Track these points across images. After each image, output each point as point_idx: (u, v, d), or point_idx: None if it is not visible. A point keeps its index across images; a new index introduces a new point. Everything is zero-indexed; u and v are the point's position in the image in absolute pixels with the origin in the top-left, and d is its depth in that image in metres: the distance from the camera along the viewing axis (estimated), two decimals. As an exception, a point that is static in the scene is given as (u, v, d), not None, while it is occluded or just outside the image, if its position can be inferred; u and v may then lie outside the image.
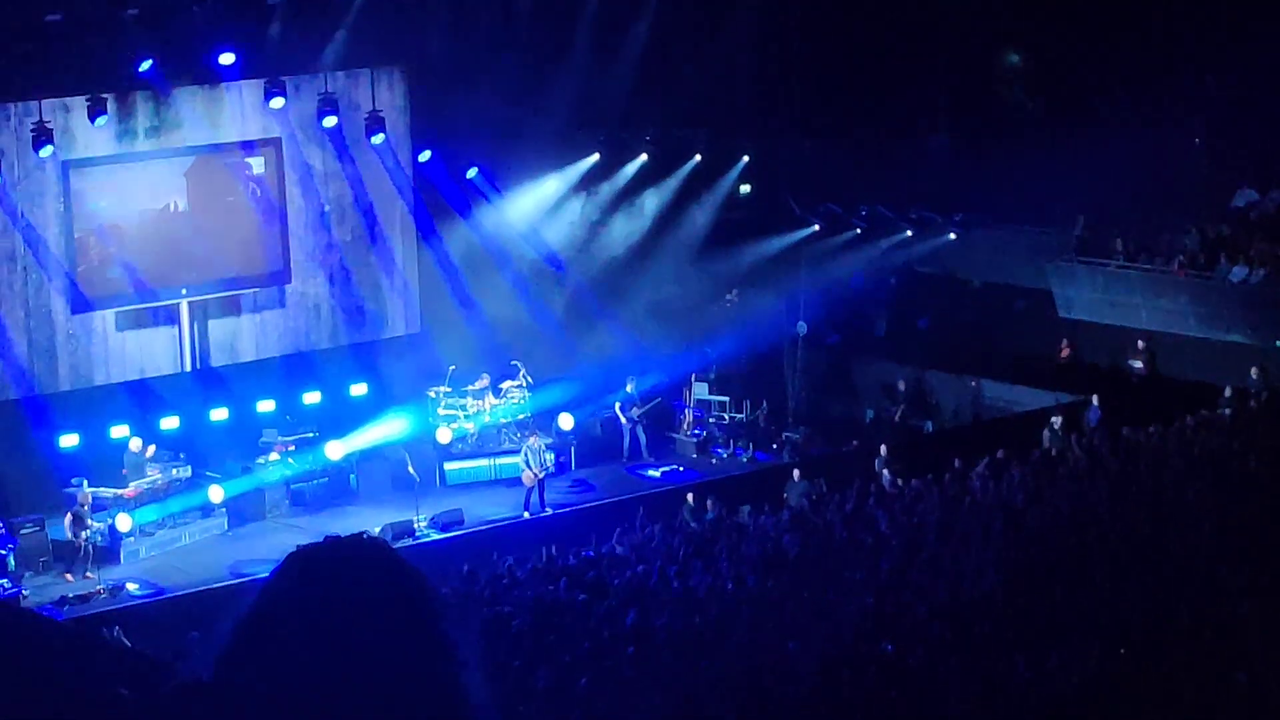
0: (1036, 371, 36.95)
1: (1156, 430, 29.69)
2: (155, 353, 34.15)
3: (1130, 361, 36.33)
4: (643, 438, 35.72)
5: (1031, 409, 34.81)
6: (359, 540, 3.10)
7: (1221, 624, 19.43)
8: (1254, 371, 33.76)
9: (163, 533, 30.71)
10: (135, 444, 31.20)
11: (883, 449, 32.12)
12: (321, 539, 3.21)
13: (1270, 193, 36.90)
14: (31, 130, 31.12)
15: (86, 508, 29.50)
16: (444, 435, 34.06)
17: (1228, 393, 32.77)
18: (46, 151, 31.32)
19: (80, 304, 32.96)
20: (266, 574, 3.33)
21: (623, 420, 35.75)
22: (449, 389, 34.87)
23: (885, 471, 31.06)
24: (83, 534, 29.25)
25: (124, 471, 30.78)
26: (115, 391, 33.27)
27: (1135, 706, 17.12)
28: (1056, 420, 32.15)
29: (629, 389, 35.84)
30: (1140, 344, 36.21)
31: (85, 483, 30.43)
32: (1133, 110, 35.70)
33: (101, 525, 29.69)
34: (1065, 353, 37.73)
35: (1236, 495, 24.70)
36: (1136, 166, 35.88)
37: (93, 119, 31.92)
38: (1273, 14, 34.87)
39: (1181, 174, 36.80)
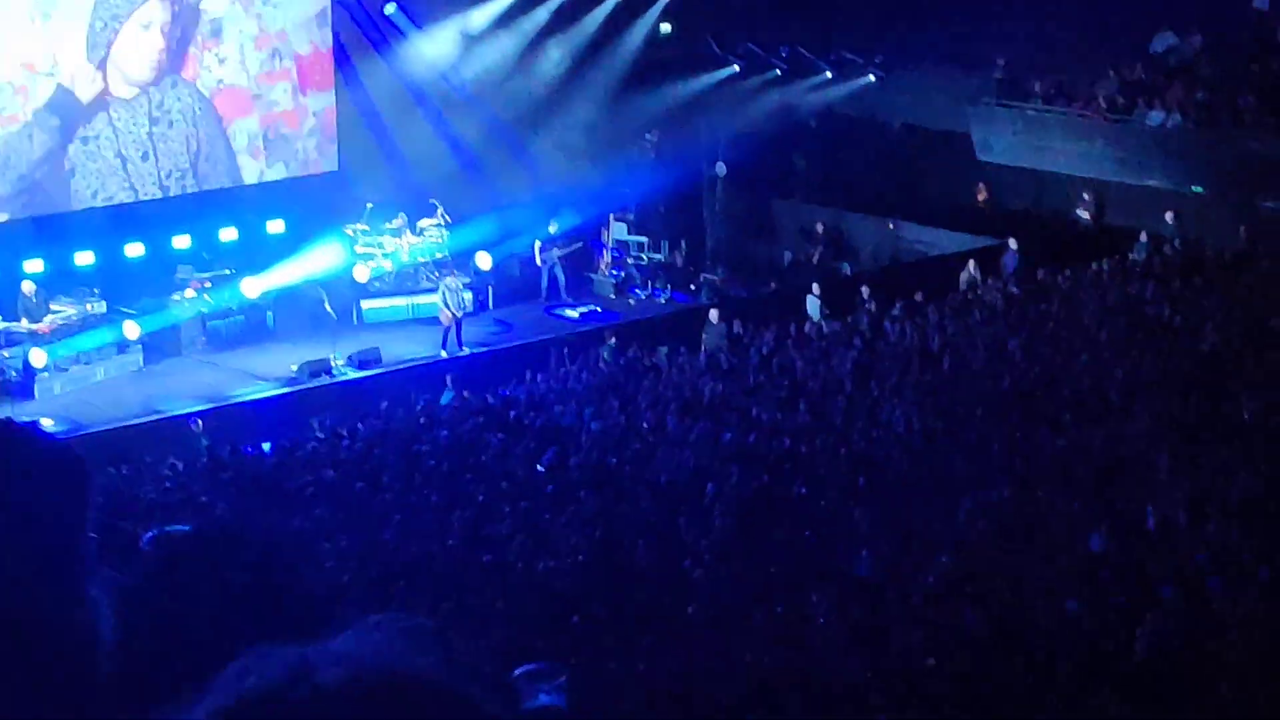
0: (955, 215, 36.95)
1: (1070, 274, 29.86)
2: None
3: (1078, 212, 36.20)
4: (561, 278, 35.62)
5: (949, 252, 34.89)
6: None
7: (1133, 461, 19.66)
8: (1169, 217, 33.78)
9: (77, 368, 30.39)
10: (27, 287, 30.80)
11: (815, 288, 32.09)
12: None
13: (1189, 37, 36.82)
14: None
15: None
16: (361, 273, 33.89)
17: (1143, 238, 32.89)
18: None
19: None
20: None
21: (539, 261, 35.64)
22: (366, 227, 34.64)
23: (819, 312, 31.03)
24: None
25: (21, 319, 30.37)
26: (23, 224, 32.75)
27: (1041, 548, 17.31)
28: (973, 263, 32.26)
29: (551, 229, 35.71)
30: (1086, 195, 36.06)
31: (-5, 316, 30.17)
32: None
33: (9, 355, 29.51)
34: (982, 196, 37.75)
35: (1149, 340, 24.91)
36: (1057, 9, 35.80)
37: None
38: None
39: (1101, 16, 36.62)
